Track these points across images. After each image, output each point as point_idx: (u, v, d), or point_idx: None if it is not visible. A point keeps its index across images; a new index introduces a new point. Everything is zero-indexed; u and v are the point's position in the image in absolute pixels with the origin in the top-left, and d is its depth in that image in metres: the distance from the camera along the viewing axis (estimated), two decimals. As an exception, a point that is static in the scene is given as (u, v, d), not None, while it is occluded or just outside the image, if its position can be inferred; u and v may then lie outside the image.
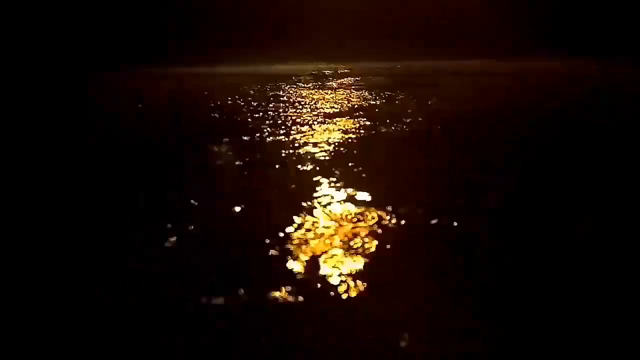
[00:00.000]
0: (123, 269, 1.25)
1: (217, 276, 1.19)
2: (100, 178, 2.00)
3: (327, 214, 1.53)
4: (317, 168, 1.99)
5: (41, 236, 1.46)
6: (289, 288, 1.13)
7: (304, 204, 1.62)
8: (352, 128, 2.71)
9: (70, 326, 1.02)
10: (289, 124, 2.84)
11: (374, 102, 3.59)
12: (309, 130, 2.65)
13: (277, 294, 1.11)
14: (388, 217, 1.50)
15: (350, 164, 2.02)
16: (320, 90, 4.53)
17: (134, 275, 1.21)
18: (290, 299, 1.09)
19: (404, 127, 2.71)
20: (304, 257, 1.26)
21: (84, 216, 1.60)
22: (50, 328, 1.02)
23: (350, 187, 1.75)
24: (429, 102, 3.55)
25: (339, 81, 5.20)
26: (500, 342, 0.93)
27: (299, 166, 2.01)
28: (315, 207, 1.58)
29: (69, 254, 1.34)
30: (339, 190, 1.73)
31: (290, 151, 2.25)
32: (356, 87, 4.79)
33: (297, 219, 1.50)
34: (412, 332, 0.96)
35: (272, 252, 1.30)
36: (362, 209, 1.56)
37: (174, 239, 1.41)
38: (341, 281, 1.15)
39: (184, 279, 1.18)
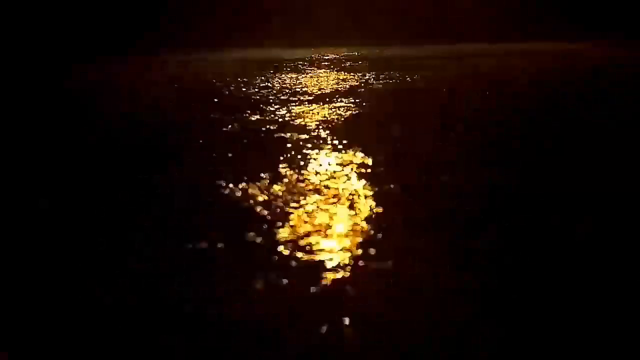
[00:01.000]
0: (123, 269, 1.25)
1: (217, 276, 1.19)
2: (100, 177, 2.00)
3: (333, 211, 1.53)
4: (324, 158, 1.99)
5: (41, 236, 1.46)
6: (290, 288, 1.13)
7: (311, 201, 1.62)
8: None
9: (70, 326, 1.02)
10: (282, 111, 2.84)
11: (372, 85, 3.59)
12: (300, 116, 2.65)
13: (277, 294, 1.11)
14: (382, 217, 1.50)
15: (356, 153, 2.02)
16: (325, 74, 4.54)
17: (134, 275, 1.22)
18: (291, 298, 1.09)
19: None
20: (308, 258, 1.26)
21: (84, 216, 1.60)
22: (51, 328, 1.02)
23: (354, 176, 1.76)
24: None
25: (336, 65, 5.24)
26: (500, 342, 0.93)
27: (302, 153, 2.01)
28: (321, 206, 1.59)
29: (69, 254, 1.34)
30: (346, 181, 1.73)
31: (289, 135, 2.25)
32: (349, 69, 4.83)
33: (301, 216, 1.50)
34: (412, 333, 0.96)
35: (275, 252, 1.30)
36: (362, 206, 1.56)
37: (174, 238, 1.41)
38: (343, 280, 1.15)
39: (184, 279, 1.18)
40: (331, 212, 1.55)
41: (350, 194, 1.69)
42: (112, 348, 0.95)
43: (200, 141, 2.55)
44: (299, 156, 2.17)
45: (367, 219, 1.48)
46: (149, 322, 1.02)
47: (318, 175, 1.91)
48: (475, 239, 1.35)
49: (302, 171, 1.96)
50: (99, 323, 1.02)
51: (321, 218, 1.50)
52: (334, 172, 1.94)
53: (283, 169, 2.00)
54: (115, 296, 1.12)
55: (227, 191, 1.78)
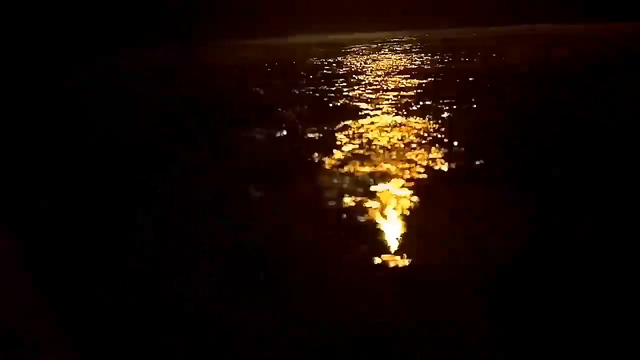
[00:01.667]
0: (123, 269, 1.25)
1: (217, 276, 1.19)
2: (100, 177, 2.00)
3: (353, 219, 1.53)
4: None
5: (41, 236, 1.46)
6: (288, 288, 1.13)
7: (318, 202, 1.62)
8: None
9: (70, 326, 1.02)
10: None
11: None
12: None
13: (277, 294, 1.11)
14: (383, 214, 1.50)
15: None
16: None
17: (134, 275, 1.22)
18: (289, 298, 1.09)
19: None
20: (308, 260, 1.26)
21: (84, 216, 1.60)
22: (51, 328, 1.02)
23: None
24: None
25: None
26: (500, 342, 0.93)
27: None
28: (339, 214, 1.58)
29: (70, 254, 1.34)
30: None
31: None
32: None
33: (306, 215, 1.50)
34: (412, 333, 0.96)
35: (274, 253, 1.30)
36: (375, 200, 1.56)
37: (174, 238, 1.41)
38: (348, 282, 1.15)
39: (184, 279, 1.18)
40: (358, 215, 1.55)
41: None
42: (113, 348, 0.95)
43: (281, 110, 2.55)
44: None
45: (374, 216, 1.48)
46: (149, 322, 1.02)
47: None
48: (476, 239, 1.35)
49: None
50: (99, 323, 1.02)
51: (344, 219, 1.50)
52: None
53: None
54: (115, 296, 1.12)
55: (230, 191, 1.78)
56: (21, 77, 5.82)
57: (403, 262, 1.23)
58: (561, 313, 1.01)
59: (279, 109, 3.24)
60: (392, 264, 1.22)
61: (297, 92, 3.87)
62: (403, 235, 1.38)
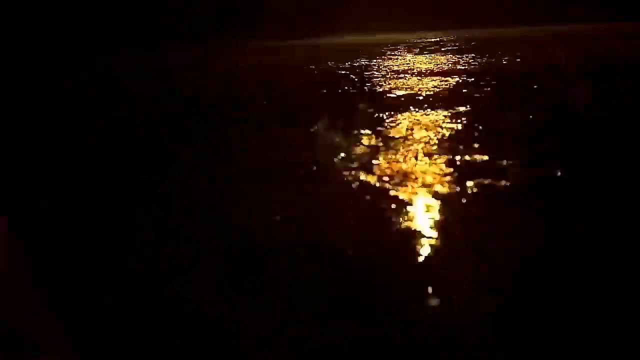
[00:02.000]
0: (123, 269, 1.25)
1: (217, 276, 1.19)
2: (100, 177, 2.00)
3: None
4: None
5: (41, 236, 1.46)
6: (288, 288, 1.13)
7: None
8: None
9: (70, 326, 1.02)
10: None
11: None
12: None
13: (277, 294, 1.11)
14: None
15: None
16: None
17: (134, 275, 1.22)
18: (289, 298, 1.09)
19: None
20: (309, 260, 1.26)
21: (84, 216, 1.60)
22: (51, 328, 1.02)
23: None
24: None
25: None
26: (500, 342, 0.93)
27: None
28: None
29: (70, 254, 1.34)
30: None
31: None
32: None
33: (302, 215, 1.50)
34: (412, 333, 0.96)
35: (273, 252, 1.30)
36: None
37: (174, 238, 1.41)
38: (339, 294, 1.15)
39: (184, 279, 1.18)
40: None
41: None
42: (113, 348, 0.95)
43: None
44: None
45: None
46: (149, 322, 1.02)
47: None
48: (476, 239, 1.35)
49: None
50: (99, 323, 1.02)
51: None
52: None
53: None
54: (115, 296, 1.12)
55: (230, 192, 1.78)
56: (21, 77, 5.81)
57: (403, 261, 1.23)
58: (561, 313, 1.01)
59: (283, 110, 3.24)
60: (392, 264, 1.22)
61: (306, 94, 3.87)
62: (403, 235, 1.38)
